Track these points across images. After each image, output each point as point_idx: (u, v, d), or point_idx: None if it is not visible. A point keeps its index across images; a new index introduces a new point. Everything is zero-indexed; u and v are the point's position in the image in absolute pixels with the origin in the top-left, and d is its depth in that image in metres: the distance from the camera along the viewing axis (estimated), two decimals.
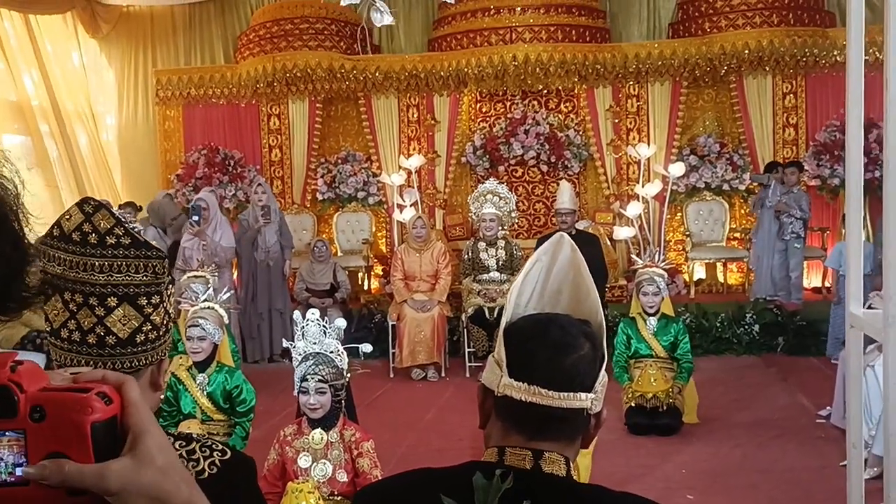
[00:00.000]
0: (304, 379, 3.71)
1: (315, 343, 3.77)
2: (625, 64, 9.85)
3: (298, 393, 3.76)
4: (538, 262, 1.47)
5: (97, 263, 1.34)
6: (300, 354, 3.79)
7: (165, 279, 1.40)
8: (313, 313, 3.84)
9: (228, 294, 5.19)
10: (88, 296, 1.35)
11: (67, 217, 1.37)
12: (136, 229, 1.39)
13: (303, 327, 3.80)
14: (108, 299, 1.35)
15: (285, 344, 4.01)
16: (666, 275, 6.35)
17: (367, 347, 4.16)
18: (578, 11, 10.09)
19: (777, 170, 9.08)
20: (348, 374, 3.85)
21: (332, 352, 3.77)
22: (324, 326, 3.79)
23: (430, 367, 7.92)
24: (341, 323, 3.90)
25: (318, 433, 3.73)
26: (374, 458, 3.74)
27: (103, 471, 0.76)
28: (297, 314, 3.94)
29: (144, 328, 1.39)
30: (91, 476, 0.75)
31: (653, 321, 6.14)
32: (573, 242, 1.49)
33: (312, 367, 3.71)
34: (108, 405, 0.78)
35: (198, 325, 4.61)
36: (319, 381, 3.68)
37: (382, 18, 5.75)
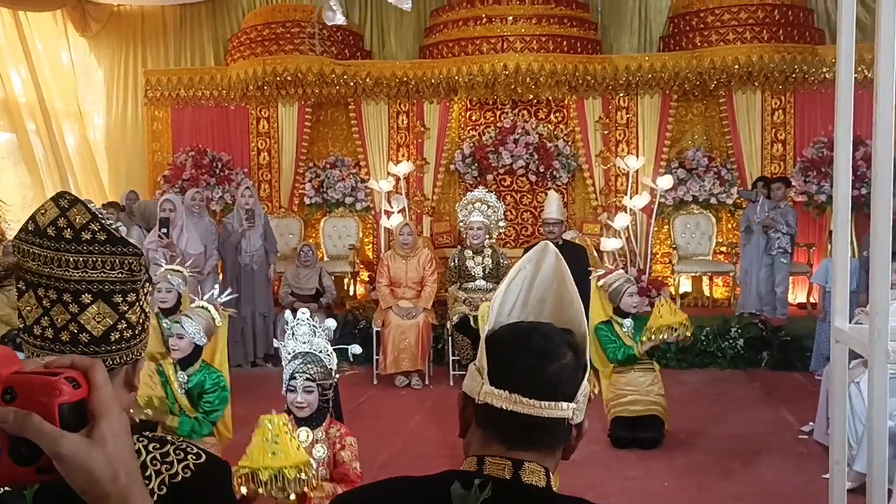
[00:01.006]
0: (292, 377, 3.72)
1: (305, 342, 3.79)
2: (615, 76, 9.88)
3: (286, 391, 3.76)
4: (522, 271, 1.45)
5: (72, 259, 1.31)
6: (290, 353, 3.80)
7: (142, 276, 1.37)
8: (304, 313, 3.84)
9: (228, 297, 5.13)
10: (62, 292, 1.32)
11: (43, 212, 1.34)
12: (113, 226, 1.36)
13: (293, 327, 3.81)
14: (83, 296, 1.32)
15: (276, 344, 4.00)
16: (622, 270, 6.43)
17: (356, 349, 4.16)
18: (570, 22, 10.12)
19: (764, 185, 9.10)
20: (337, 375, 3.86)
21: (321, 351, 3.79)
22: (314, 326, 3.81)
23: (414, 374, 7.89)
24: (331, 323, 3.91)
25: (304, 431, 3.72)
26: (356, 453, 3.74)
27: (60, 436, 0.81)
28: (287, 313, 3.92)
29: (119, 326, 1.36)
30: (48, 435, 0.81)
31: (629, 322, 6.07)
32: (557, 251, 1.47)
33: (301, 365, 3.72)
34: (76, 389, 0.84)
35: (178, 322, 4.57)
36: (307, 379, 3.69)
37: (335, 17, 5.73)
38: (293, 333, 3.80)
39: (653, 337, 5.92)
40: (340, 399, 4.02)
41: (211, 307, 4.74)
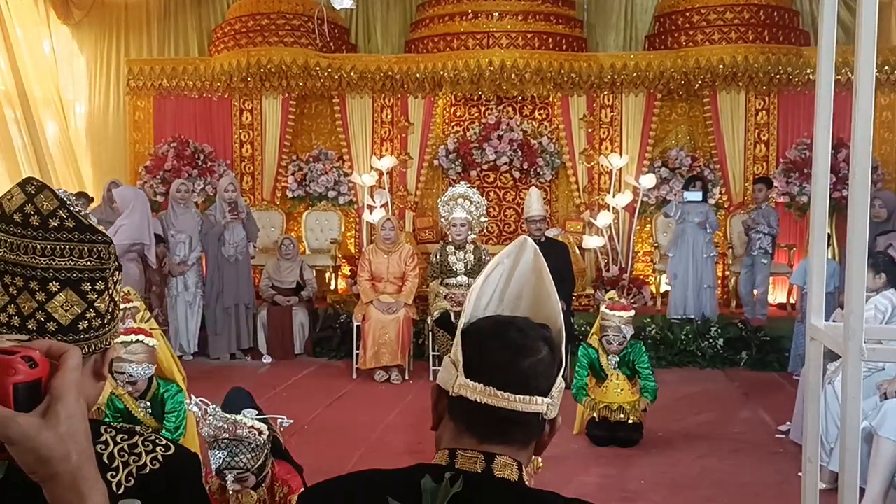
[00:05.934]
0: (220, 472, 3.32)
1: (223, 427, 3.34)
2: (600, 74, 9.90)
3: (218, 476, 3.38)
4: (500, 265, 1.44)
5: (39, 246, 1.29)
6: (209, 437, 3.35)
7: (111, 265, 1.35)
8: (216, 409, 3.36)
9: (149, 319, 4.91)
10: (29, 280, 1.30)
11: (9, 197, 1.32)
12: (82, 213, 1.34)
13: (203, 416, 3.37)
14: (50, 284, 1.30)
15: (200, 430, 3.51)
16: (633, 314, 6.14)
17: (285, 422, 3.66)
18: (556, 20, 10.12)
19: (695, 184, 9.04)
20: (270, 432, 3.45)
21: (248, 429, 3.33)
22: (226, 416, 3.36)
23: (394, 369, 7.87)
24: (249, 413, 3.45)
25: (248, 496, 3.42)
26: None
27: (9, 419, 0.82)
28: (193, 406, 3.40)
29: (88, 315, 1.33)
30: None
31: (614, 358, 6.07)
32: (536, 247, 1.46)
33: (228, 459, 3.32)
34: (33, 368, 0.84)
35: (124, 372, 4.16)
36: (239, 473, 3.32)
37: (343, 2, 5.67)
38: (206, 422, 3.34)
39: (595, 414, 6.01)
40: (281, 438, 3.67)
41: (141, 337, 4.38)
